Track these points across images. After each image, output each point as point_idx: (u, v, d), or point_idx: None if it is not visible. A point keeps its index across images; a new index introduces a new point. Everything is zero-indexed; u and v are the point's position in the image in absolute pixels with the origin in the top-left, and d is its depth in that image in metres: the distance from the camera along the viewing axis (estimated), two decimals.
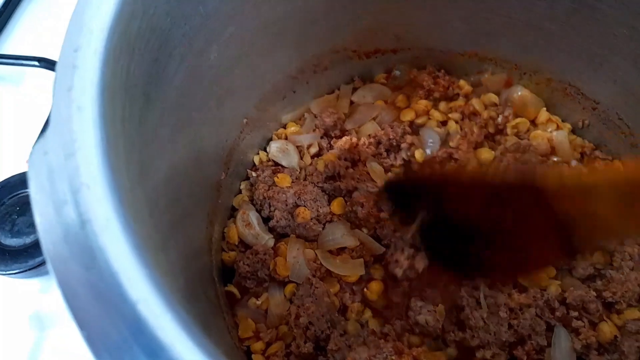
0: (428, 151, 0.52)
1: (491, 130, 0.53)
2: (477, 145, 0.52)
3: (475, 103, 0.53)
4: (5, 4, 0.71)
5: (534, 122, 0.54)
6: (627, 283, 0.43)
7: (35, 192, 0.20)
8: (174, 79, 0.34)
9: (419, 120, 0.54)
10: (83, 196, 0.20)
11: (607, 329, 0.42)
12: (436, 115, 0.54)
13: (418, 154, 0.51)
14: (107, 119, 0.23)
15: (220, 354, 0.17)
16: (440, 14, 0.49)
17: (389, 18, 0.50)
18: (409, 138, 0.52)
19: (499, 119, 0.52)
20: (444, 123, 0.54)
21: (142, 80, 0.29)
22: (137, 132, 0.28)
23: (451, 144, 0.52)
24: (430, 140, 0.52)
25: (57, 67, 0.23)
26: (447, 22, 0.50)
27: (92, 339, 0.17)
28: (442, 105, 0.55)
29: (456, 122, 0.53)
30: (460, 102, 0.54)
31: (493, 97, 0.54)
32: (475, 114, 0.53)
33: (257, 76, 0.46)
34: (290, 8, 0.44)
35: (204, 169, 0.43)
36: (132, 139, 0.26)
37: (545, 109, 0.53)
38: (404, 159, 0.51)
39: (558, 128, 0.52)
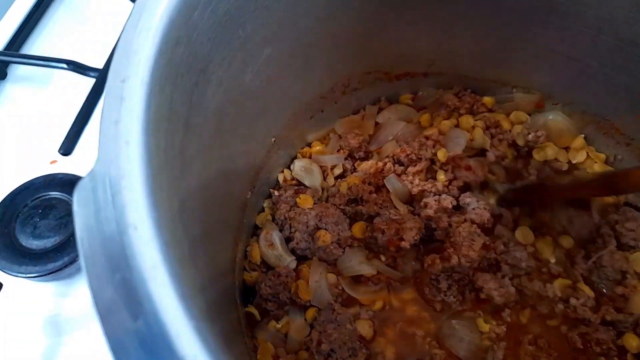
0: (454, 149, 0.50)
1: (520, 143, 0.51)
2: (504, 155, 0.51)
3: (499, 117, 0.52)
4: (36, 5, 0.71)
5: (566, 149, 0.52)
6: None
7: (81, 231, 0.19)
8: (211, 103, 0.33)
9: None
10: (130, 238, 0.19)
11: None
12: (463, 121, 0.53)
13: (441, 154, 0.50)
14: (153, 153, 0.23)
15: None
16: (477, 43, 0.48)
17: (423, 44, 0.49)
18: (433, 136, 0.51)
19: (530, 136, 0.51)
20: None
21: (184, 108, 0.28)
22: (178, 164, 0.27)
23: (486, 146, 0.51)
24: (457, 139, 0.51)
25: (105, 98, 0.23)
26: (483, 50, 0.49)
27: None
28: (468, 117, 0.53)
29: (482, 129, 0.52)
30: (486, 114, 0.53)
31: (522, 115, 0.53)
32: (497, 126, 0.52)
33: (288, 96, 0.46)
34: (326, 31, 0.44)
35: (232, 188, 0.43)
36: (173, 171, 0.26)
37: (583, 135, 0.51)
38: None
39: (588, 157, 0.51)
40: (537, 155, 0.51)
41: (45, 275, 0.51)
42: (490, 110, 0.53)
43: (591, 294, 0.44)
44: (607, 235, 0.46)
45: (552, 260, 0.46)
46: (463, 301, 0.45)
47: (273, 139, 0.48)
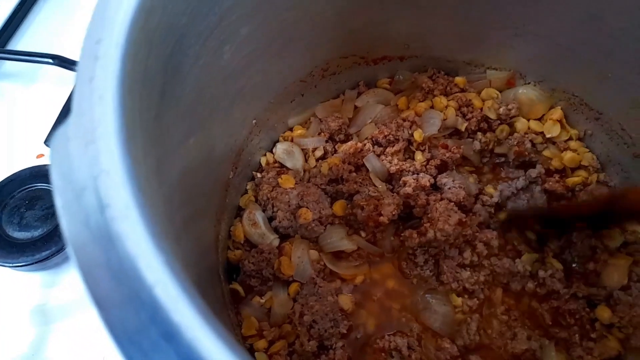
0: (430, 130, 0.51)
1: (492, 116, 0.52)
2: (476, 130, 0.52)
3: (471, 96, 0.53)
4: (21, 2, 0.72)
5: (540, 120, 0.53)
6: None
7: (57, 177, 0.20)
8: (188, 76, 0.34)
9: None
10: (103, 182, 0.20)
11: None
12: (436, 102, 0.54)
13: (417, 134, 0.51)
14: (127, 110, 0.24)
15: (233, 337, 0.17)
16: (450, 25, 0.50)
17: (399, 27, 0.51)
18: (410, 118, 0.52)
19: (501, 110, 0.52)
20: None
21: (159, 76, 0.29)
22: (153, 127, 0.28)
23: (459, 125, 0.52)
24: (432, 120, 0.52)
25: (80, 57, 0.24)
26: (456, 32, 0.51)
27: (111, 322, 0.17)
28: (442, 98, 0.54)
29: (455, 109, 0.53)
30: (458, 94, 0.54)
31: (492, 92, 0.54)
32: (469, 104, 0.53)
33: (268, 78, 0.47)
34: (304, 13, 0.45)
35: (213, 168, 0.44)
36: (148, 133, 0.27)
37: (560, 107, 0.52)
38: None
39: (563, 129, 0.52)
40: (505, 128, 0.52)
41: (32, 264, 0.52)
42: (462, 90, 0.55)
43: (560, 266, 0.45)
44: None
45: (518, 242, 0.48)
46: (438, 275, 0.46)
47: (254, 121, 0.49)
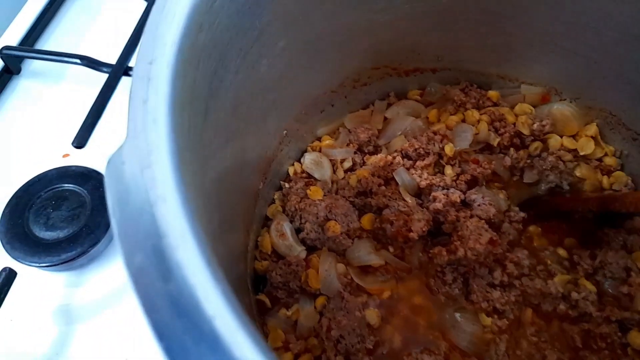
0: (461, 144, 0.51)
1: (525, 132, 0.51)
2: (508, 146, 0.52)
3: (504, 110, 0.53)
4: (50, 2, 0.72)
5: (574, 137, 0.52)
6: None
7: (113, 202, 0.20)
8: (229, 91, 0.34)
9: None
10: (160, 209, 0.20)
11: None
12: (468, 115, 0.53)
13: (448, 148, 0.51)
14: (178, 132, 0.24)
15: None
16: (484, 39, 0.49)
17: (431, 40, 0.50)
18: (441, 131, 0.52)
19: (535, 126, 0.51)
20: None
21: (204, 93, 0.29)
22: (198, 145, 0.28)
23: (491, 140, 0.51)
24: (464, 134, 0.51)
25: (133, 78, 0.24)
26: (490, 46, 0.50)
27: (172, 351, 0.17)
28: (474, 112, 0.54)
29: (487, 123, 0.52)
30: (491, 108, 0.54)
31: (526, 107, 0.53)
32: (502, 119, 0.52)
33: (300, 89, 0.47)
34: (336, 26, 0.45)
35: (245, 178, 0.44)
36: (195, 151, 0.27)
37: (595, 123, 0.51)
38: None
39: (597, 146, 0.51)
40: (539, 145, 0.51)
41: (58, 265, 0.52)
42: (495, 105, 0.54)
43: (593, 289, 0.44)
44: (611, 237, 0.47)
45: (549, 261, 0.47)
46: (467, 294, 0.46)
47: (284, 132, 0.49)
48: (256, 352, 0.17)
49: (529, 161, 0.51)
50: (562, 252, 0.47)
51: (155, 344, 0.18)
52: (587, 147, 0.50)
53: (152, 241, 0.20)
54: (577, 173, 0.49)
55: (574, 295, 0.44)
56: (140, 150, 0.22)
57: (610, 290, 0.45)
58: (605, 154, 0.51)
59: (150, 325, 0.18)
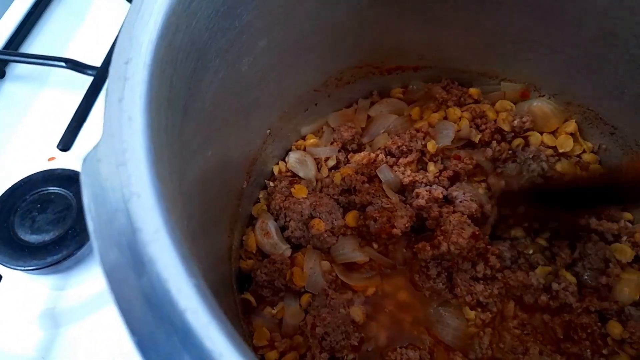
0: (443, 141, 0.51)
1: (505, 128, 0.52)
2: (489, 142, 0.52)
3: (485, 107, 0.54)
4: (35, 5, 0.72)
5: (554, 133, 0.53)
6: None
7: (89, 199, 0.21)
8: (208, 90, 0.35)
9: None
10: (134, 205, 0.20)
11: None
12: (450, 113, 0.54)
13: (430, 145, 0.51)
14: (154, 130, 0.24)
15: None
16: (465, 37, 0.50)
17: (414, 38, 0.51)
18: (423, 129, 0.52)
19: (515, 122, 0.52)
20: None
21: (182, 92, 0.30)
22: (177, 143, 0.28)
23: (472, 137, 0.52)
24: (445, 131, 0.52)
25: (109, 78, 0.24)
26: (471, 44, 0.51)
27: (143, 346, 0.17)
28: (455, 109, 0.55)
29: (469, 120, 0.53)
30: (472, 105, 0.55)
31: (506, 104, 0.54)
32: (483, 116, 0.53)
33: (283, 88, 0.47)
34: (319, 24, 0.45)
35: (228, 177, 0.44)
36: (172, 150, 0.27)
37: (574, 120, 0.52)
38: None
39: (576, 143, 0.52)
40: (520, 142, 0.52)
41: (44, 268, 0.52)
42: (476, 102, 0.55)
43: (573, 280, 0.45)
44: (589, 228, 0.48)
45: (530, 252, 0.48)
46: (451, 288, 0.47)
47: (268, 131, 0.50)
48: (228, 344, 0.18)
49: (510, 152, 0.52)
50: (542, 242, 0.48)
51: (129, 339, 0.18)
52: (566, 144, 0.51)
53: (126, 237, 0.20)
54: (558, 168, 0.50)
55: (555, 285, 0.44)
56: (115, 148, 0.22)
57: (589, 282, 0.46)
58: (584, 151, 0.52)
59: (123, 321, 0.18)
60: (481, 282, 0.45)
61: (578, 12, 0.44)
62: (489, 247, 0.46)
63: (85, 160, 0.22)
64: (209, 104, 0.35)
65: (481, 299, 0.45)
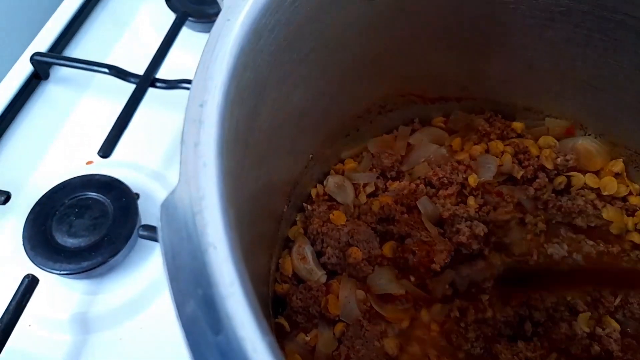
0: (485, 175, 0.51)
1: (548, 166, 0.51)
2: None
3: (528, 142, 0.53)
4: (80, 10, 0.73)
5: (597, 174, 0.52)
6: None
7: (166, 248, 0.21)
8: (264, 123, 0.35)
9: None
10: (211, 257, 0.21)
11: None
12: (492, 146, 0.53)
13: (472, 179, 0.51)
14: (225, 175, 0.24)
15: None
16: (513, 72, 0.50)
17: (458, 70, 0.51)
18: (465, 161, 0.52)
19: (559, 160, 0.51)
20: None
21: (245, 129, 0.30)
22: (238, 179, 0.29)
23: (514, 172, 0.51)
24: (488, 165, 0.51)
25: (185, 121, 0.24)
26: (519, 78, 0.51)
27: None
28: (498, 143, 0.54)
29: (511, 155, 0.52)
30: (515, 140, 0.54)
31: (550, 140, 0.53)
32: (526, 151, 0.52)
33: (329, 115, 0.48)
34: (367, 54, 0.45)
35: (272, 202, 0.45)
36: (235, 186, 0.28)
37: (621, 160, 0.51)
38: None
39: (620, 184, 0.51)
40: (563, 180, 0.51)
41: (79, 273, 0.53)
42: (519, 136, 0.54)
43: (617, 326, 0.44)
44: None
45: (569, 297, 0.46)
46: (491, 353, 0.44)
47: (310, 156, 0.50)
48: None
49: (553, 195, 0.51)
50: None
51: None
52: (610, 186, 0.50)
53: (203, 289, 0.20)
54: (604, 215, 0.49)
55: (598, 331, 0.43)
56: (192, 196, 0.22)
57: (629, 331, 0.45)
58: (630, 193, 0.51)
59: None
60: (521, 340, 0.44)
61: (635, 56, 0.43)
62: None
63: (163, 206, 0.22)
64: (264, 135, 0.36)
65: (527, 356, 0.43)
